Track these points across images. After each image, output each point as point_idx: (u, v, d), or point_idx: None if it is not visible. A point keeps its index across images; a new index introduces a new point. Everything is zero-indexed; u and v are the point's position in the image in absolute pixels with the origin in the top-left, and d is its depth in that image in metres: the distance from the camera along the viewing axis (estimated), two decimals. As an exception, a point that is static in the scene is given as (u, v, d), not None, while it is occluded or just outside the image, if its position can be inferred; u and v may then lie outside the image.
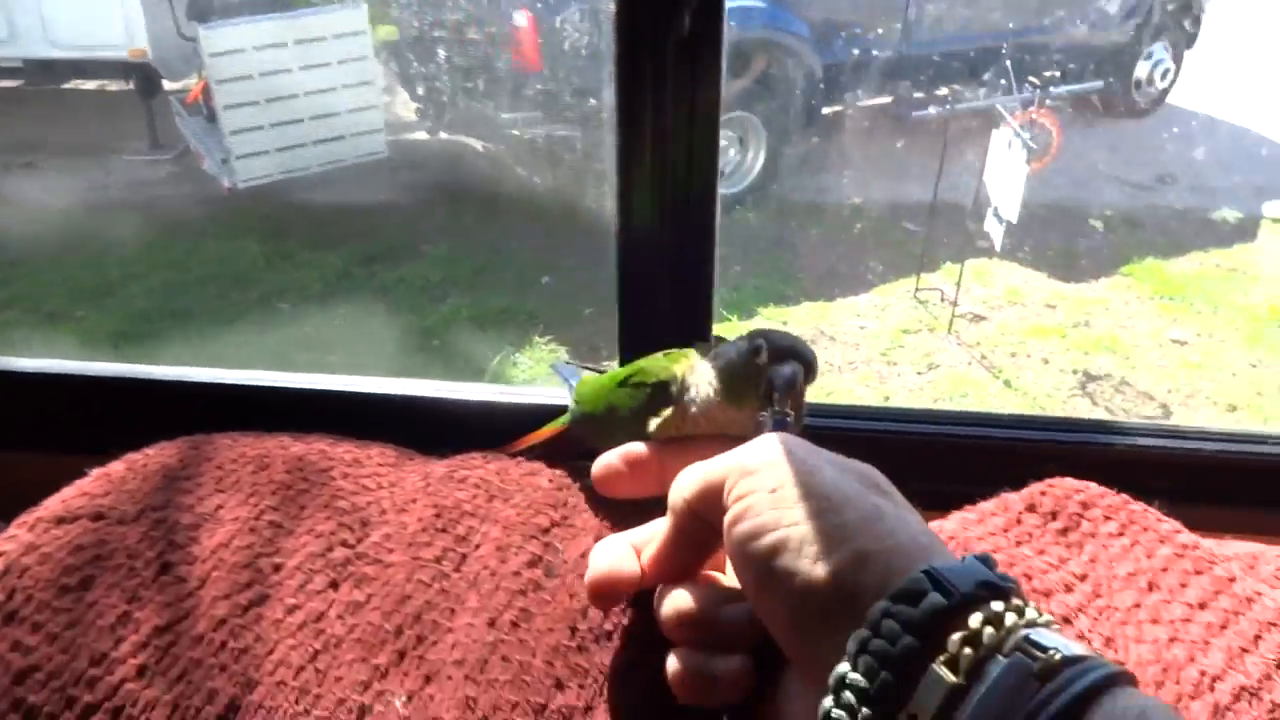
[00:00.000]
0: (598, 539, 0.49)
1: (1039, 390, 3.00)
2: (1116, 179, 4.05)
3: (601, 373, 0.65)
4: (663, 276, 0.70)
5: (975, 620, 0.30)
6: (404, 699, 0.42)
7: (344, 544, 0.48)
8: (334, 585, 0.46)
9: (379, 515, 0.50)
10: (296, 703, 0.41)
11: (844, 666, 0.31)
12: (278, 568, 0.46)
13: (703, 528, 0.39)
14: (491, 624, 0.44)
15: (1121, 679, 0.29)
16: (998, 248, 3.13)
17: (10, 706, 0.41)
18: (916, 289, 3.35)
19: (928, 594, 0.30)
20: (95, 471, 0.52)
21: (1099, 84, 4.19)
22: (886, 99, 4.03)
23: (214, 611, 0.44)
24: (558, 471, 0.55)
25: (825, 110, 4.00)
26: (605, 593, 0.41)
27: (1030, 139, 2.99)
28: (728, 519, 0.36)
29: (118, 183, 3.77)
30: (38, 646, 0.43)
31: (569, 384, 0.64)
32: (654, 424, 0.50)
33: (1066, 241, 3.64)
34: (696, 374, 0.51)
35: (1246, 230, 3.84)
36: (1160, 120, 4.45)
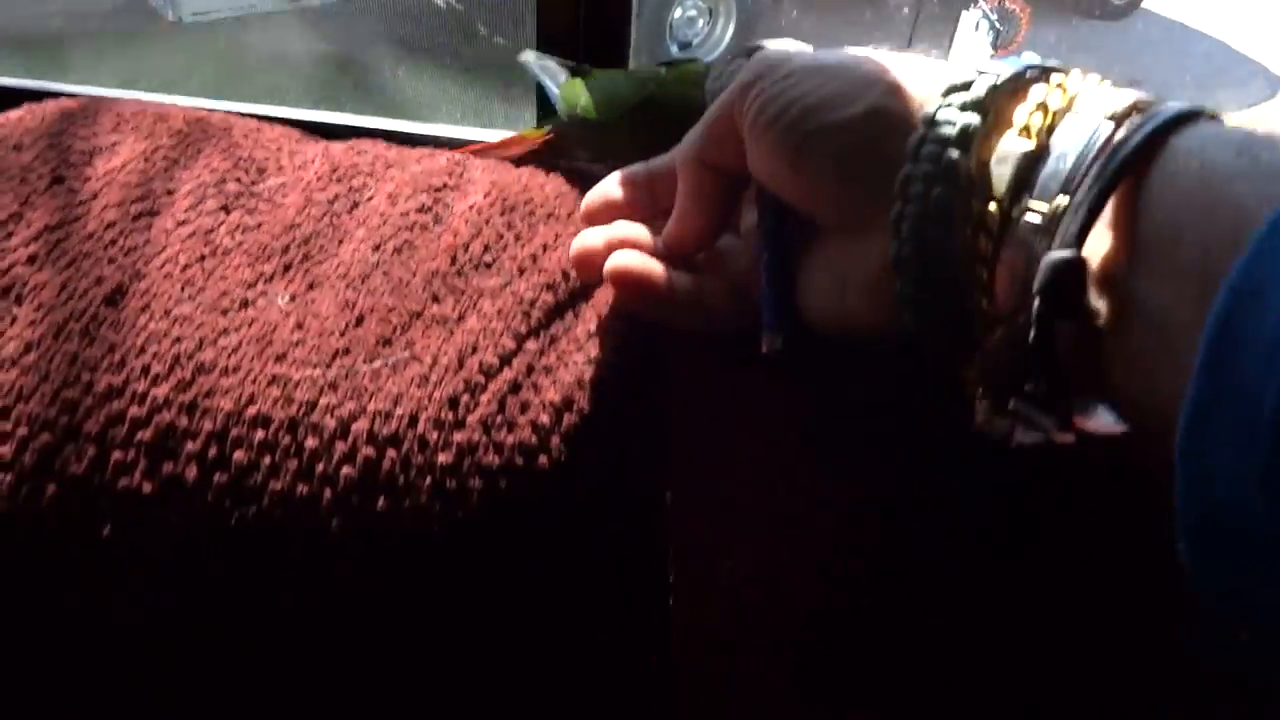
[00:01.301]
0: (485, 196, 0.51)
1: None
2: (1081, 79, 4.04)
3: (585, 73, 0.62)
4: None
5: (1038, 93, 0.29)
6: (286, 298, 0.44)
7: (239, 180, 0.50)
8: (225, 210, 0.48)
9: (276, 168, 0.52)
10: (181, 290, 0.43)
11: (906, 168, 0.29)
12: (170, 191, 0.48)
13: (719, 178, 0.38)
14: (376, 248, 0.46)
15: (1203, 115, 0.27)
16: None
17: (-101, 283, 0.43)
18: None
19: (978, 77, 0.30)
20: (-7, 116, 0.53)
21: (1078, -22, 4.14)
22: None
23: (105, 216, 0.45)
24: (456, 154, 0.57)
25: (801, -18, 3.91)
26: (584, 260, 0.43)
27: (998, 21, 2.97)
28: (747, 124, 0.35)
29: (61, 12, 3.61)
30: (-72, 237, 0.45)
31: (549, 84, 0.62)
32: None
33: (1025, 137, 3.66)
34: None
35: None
36: (1135, 25, 4.41)
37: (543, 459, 0.41)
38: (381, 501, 0.39)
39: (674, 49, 3.50)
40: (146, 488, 0.39)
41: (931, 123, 0.29)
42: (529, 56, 0.64)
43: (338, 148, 0.55)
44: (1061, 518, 0.34)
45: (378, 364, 0.42)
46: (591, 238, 0.42)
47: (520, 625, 0.40)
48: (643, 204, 0.43)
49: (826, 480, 0.37)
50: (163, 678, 0.40)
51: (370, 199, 0.50)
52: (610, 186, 0.44)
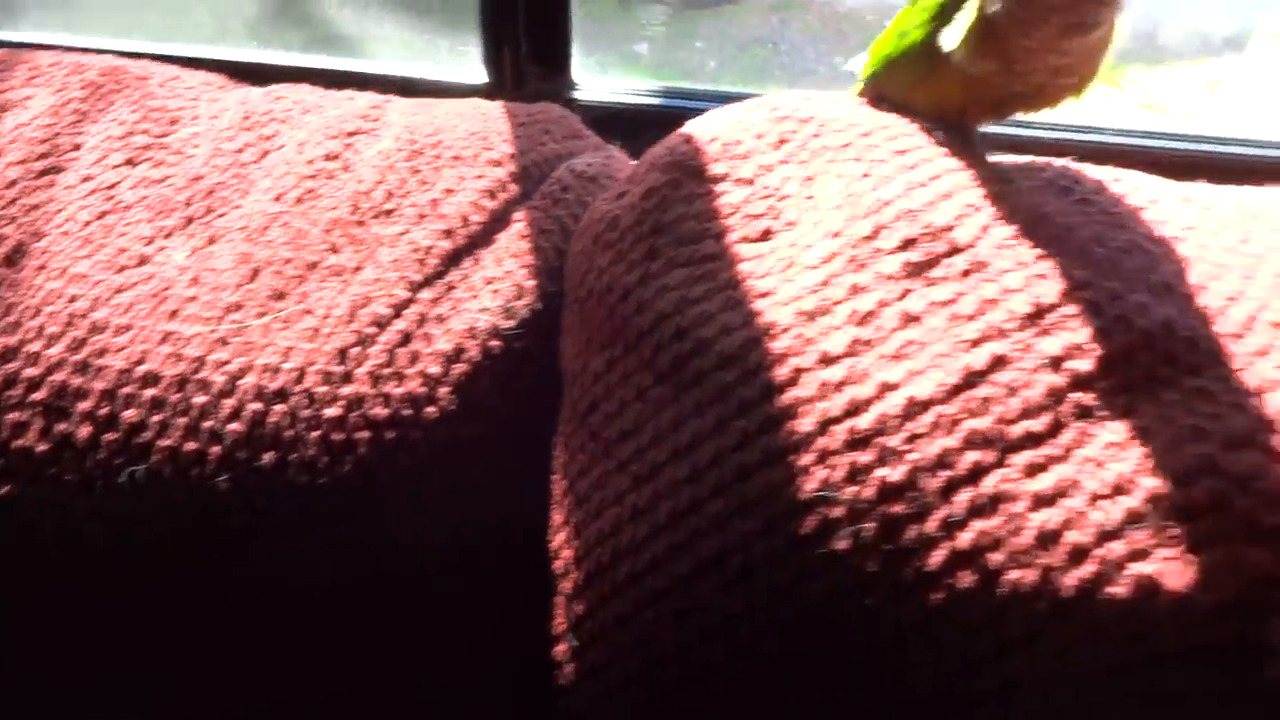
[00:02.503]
0: (396, 140, 0.50)
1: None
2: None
3: None
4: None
5: None
6: (187, 253, 0.44)
7: (147, 133, 0.50)
8: (130, 164, 0.48)
9: (190, 118, 0.52)
10: (80, 249, 0.44)
11: None
12: (77, 146, 0.48)
13: None
14: (278, 199, 0.46)
15: None
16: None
17: None
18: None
19: None
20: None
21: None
22: (887, -117, 3.77)
23: (7, 174, 0.46)
24: (378, 95, 0.56)
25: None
26: None
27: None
28: None
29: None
30: None
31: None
32: (948, 37, 0.39)
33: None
34: None
35: (1237, 43, 3.70)
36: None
37: (430, 409, 0.41)
38: (268, 456, 0.39)
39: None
40: (41, 447, 0.40)
41: None
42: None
43: (257, 94, 0.54)
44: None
45: (269, 319, 0.42)
46: None
47: (407, 570, 0.41)
48: None
49: (694, 438, 0.37)
50: (57, 632, 0.42)
51: (280, 147, 0.50)
52: None
